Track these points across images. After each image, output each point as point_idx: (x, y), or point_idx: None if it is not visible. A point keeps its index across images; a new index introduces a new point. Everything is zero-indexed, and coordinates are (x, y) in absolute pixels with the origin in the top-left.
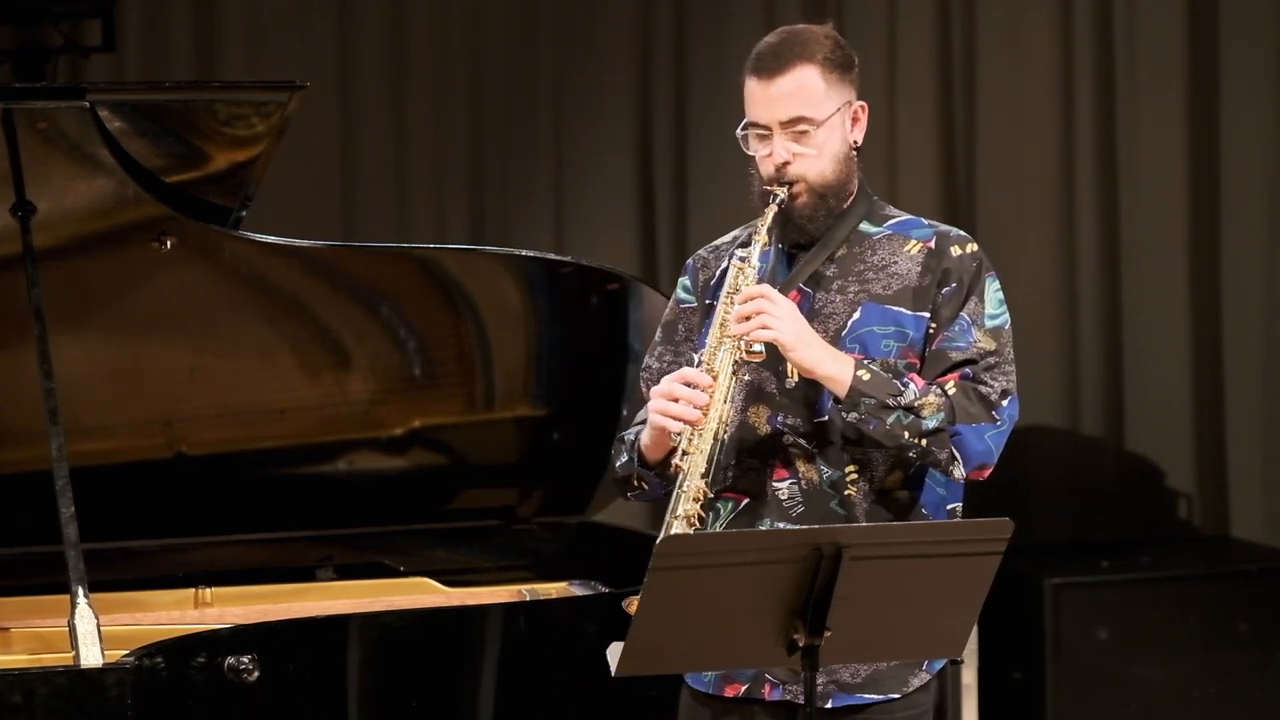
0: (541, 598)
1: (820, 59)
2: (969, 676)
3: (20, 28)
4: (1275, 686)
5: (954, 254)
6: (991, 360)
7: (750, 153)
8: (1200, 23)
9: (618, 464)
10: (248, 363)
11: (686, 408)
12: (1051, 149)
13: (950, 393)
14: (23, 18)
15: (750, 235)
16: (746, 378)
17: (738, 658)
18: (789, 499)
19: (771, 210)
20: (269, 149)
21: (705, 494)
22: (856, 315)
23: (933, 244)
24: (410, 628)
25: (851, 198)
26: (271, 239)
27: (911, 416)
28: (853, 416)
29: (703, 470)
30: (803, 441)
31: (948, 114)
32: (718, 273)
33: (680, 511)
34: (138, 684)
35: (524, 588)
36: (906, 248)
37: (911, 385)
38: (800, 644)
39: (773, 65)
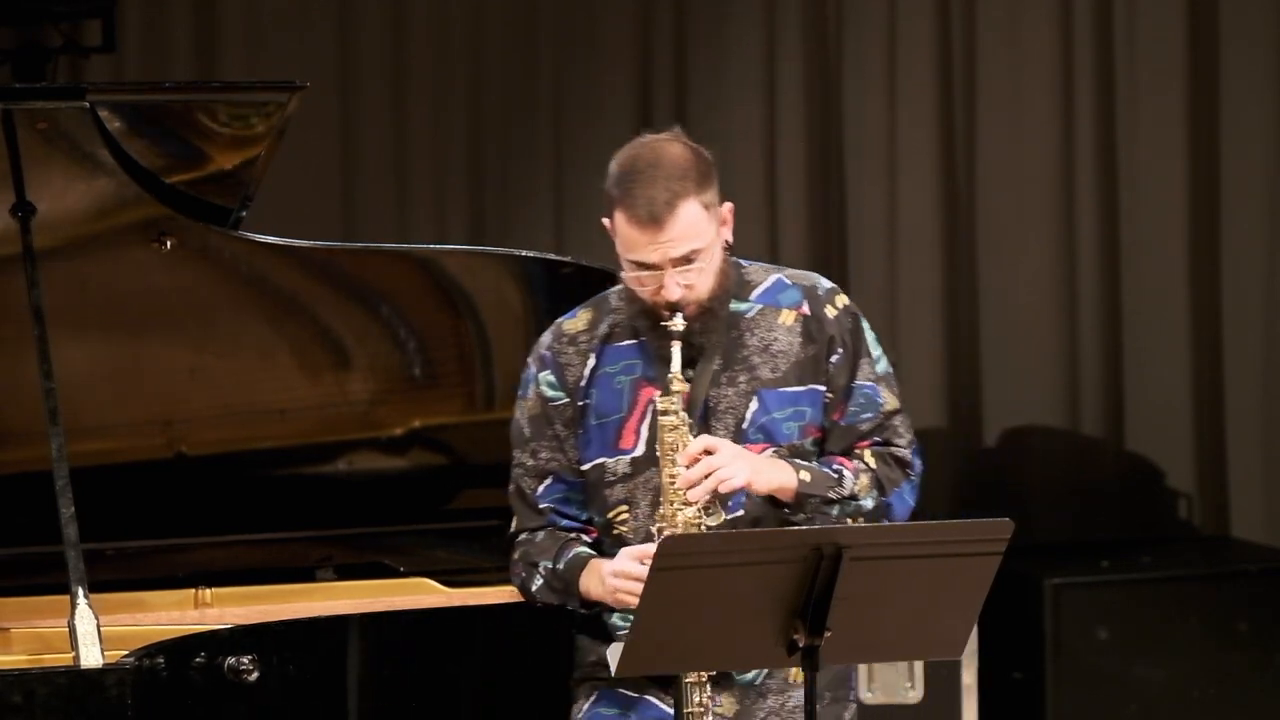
0: None
1: (694, 186)
2: (969, 676)
3: (20, 28)
4: (1275, 686)
5: (830, 315)
6: (895, 421)
7: (632, 286)
8: (1200, 23)
9: (533, 588)
10: (248, 363)
11: None
12: (1051, 149)
13: (873, 466)
14: (23, 18)
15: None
16: (651, 483)
17: (738, 658)
18: None
19: (678, 347)
20: (269, 149)
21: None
22: (754, 406)
23: (806, 309)
24: (410, 628)
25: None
26: (271, 239)
27: (853, 504)
28: (800, 517)
29: None
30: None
31: (948, 114)
32: (587, 372)
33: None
34: (138, 684)
35: None
36: (780, 320)
37: (845, 473)
38: (800, 644)
39: (656, 213)
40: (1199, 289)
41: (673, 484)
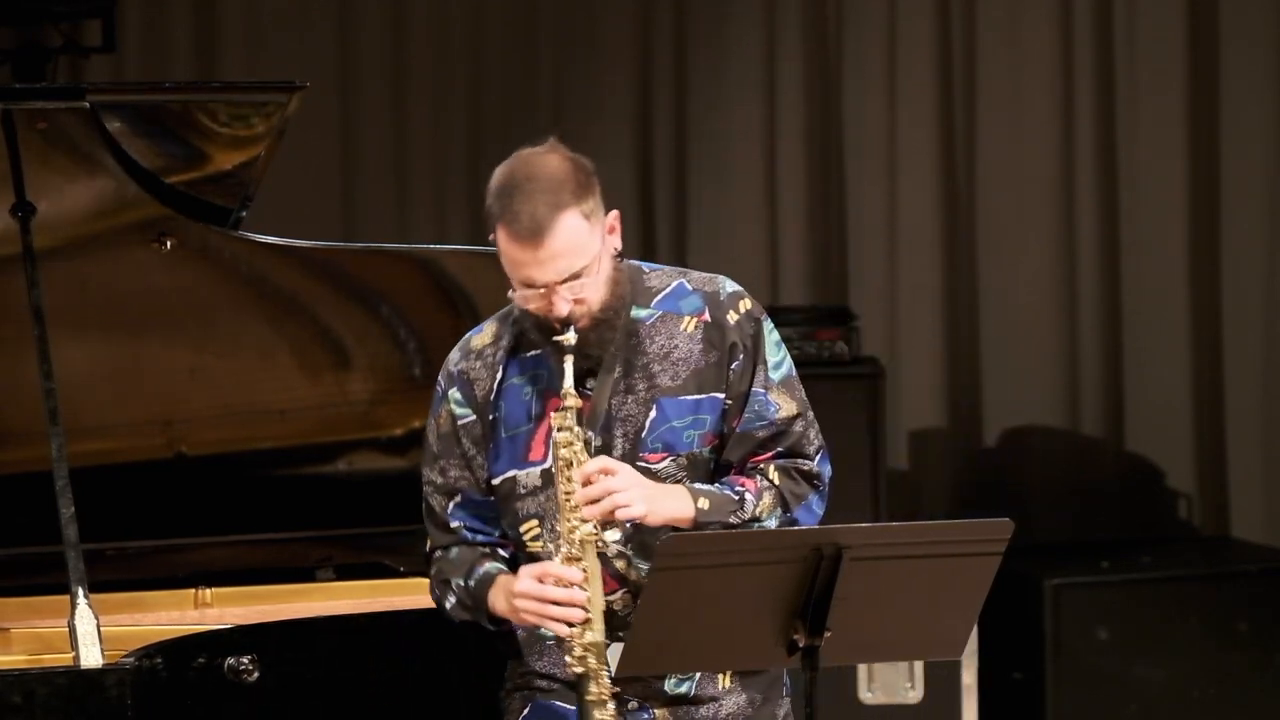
0: None
1: (572, 199)
2: (969, 676)
3: (20, 28)
4: (1275, 687)
5: (731, 321)
6: (798, 426)
7: (520, 303)
8: (1200, 23)
9: (448, 607)
10: (248, 363)
11: (572, 610)
12: (1051, 149)
13: (777, 481)
14: (23, 18)
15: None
16: (550, 504)
17: (738, 658)
18: (624, 609)
19: (570, 362)
20: (269, 149)
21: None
22: (653, 414)
23: (706, 315)
24: (410, 628)
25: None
26: (271, 239)
27: (755, 525)
28: None
29: (604, 653)
30: (624, 550)
31: (948, 114)
32: (494, 386)
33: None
34: (137, 684)
35: None
36: (681, 326)
37: (746, 495)
38: (800, 644)
39: (536, 229)
40: (1199, 289)
41: (568, 500)
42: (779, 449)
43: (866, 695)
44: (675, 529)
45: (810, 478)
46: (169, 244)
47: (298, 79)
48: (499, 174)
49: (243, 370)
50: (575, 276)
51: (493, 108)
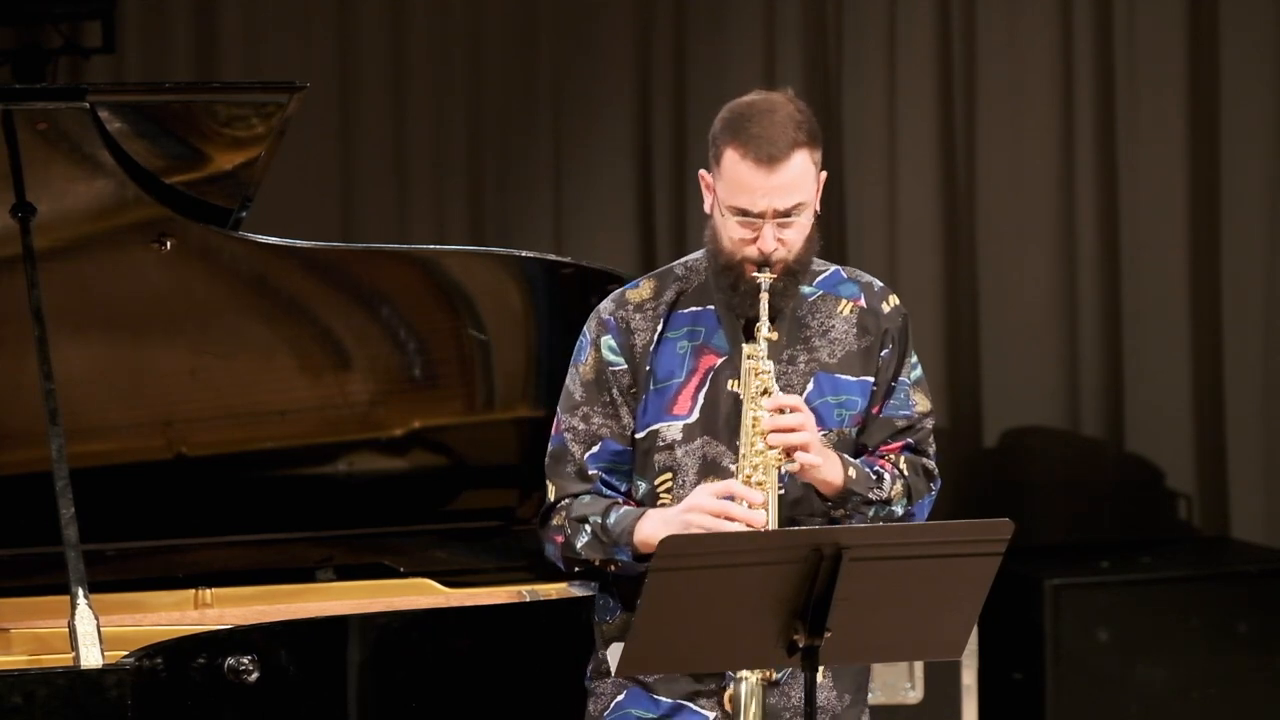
0: (541, 598)
1: (808, 140)
2: (969, 677)
3: (20, 29)
4: (1275, 687)
5: (885, 311)
6: (927, 424)
7: (729, 232)
8: (1200, 23)
9: (579, 545)
10: (248, 364)
11: (755, 513)
12: (1051, 150)
13: (905, 473)
14: (23, 19)
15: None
16: (700, 452)
17: (738, 658)
18: None
19: (765, 299)
20: (269, 150)
21: None
22: (810, 387)
23: (863, 302)
24: (410, 628)
25: None
26: (271, 240)
27: (886, 508)
28: (839, 512)
29: None
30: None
31: (948, 114)
32: (655, 337)
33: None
34: (138, 685)
35: (524, 588)
36: (839, 309)
37: (885, 476)
38: (800, 645)
39: (772, 152)
40: (1199, 289)
41: (755, 426)
42: (909, 441)
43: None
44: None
45: (930, 476)
46: (169, 245)
47: (298, 79)
48: (735, 105)
49: (243, 371)
50: (790, 213)
51: (493, 108)
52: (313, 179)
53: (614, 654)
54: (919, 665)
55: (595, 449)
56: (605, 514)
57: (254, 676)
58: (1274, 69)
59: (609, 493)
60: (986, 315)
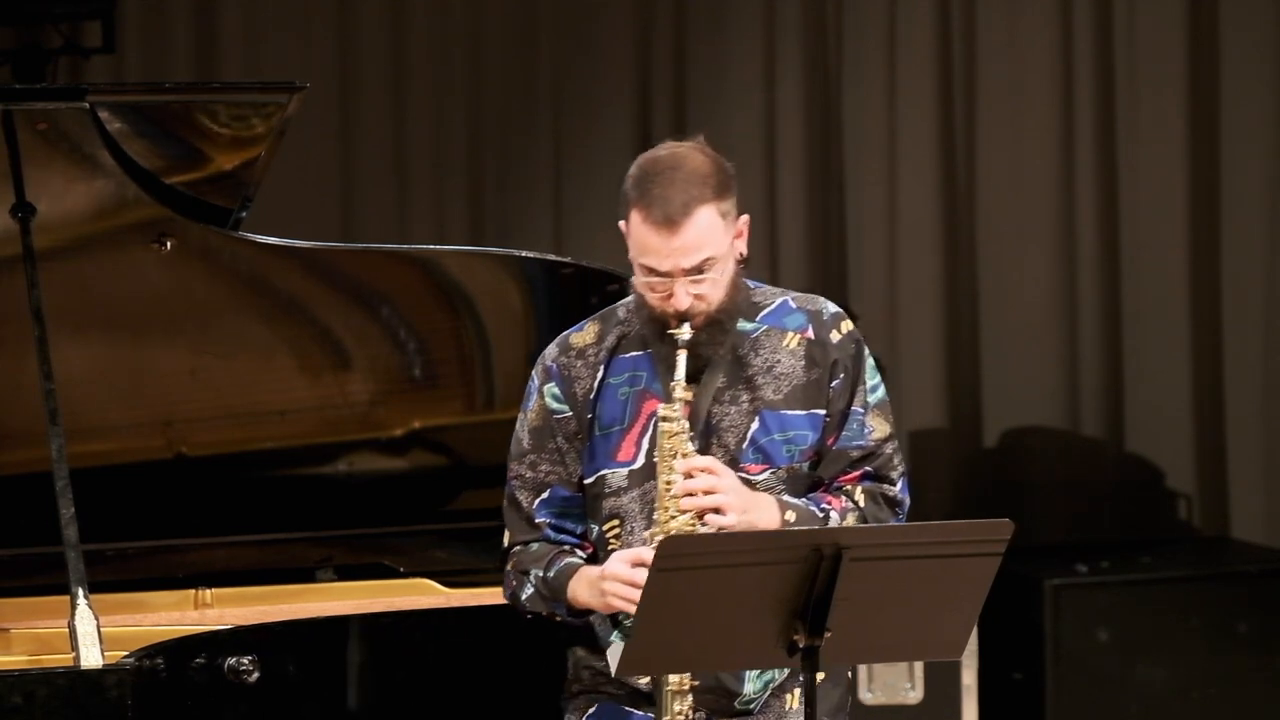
0: None
1: (713, 193)
2: (969, 677)
3: (20, 29)
4: (1275, 687)
5: (834, 340)
6: (888, 449)
7: (642, 291)
8: (1200, 23)
9: (523, 597)
10: (248, 364)
11: None
12: (1051, 149)
13: (862, 504)
14: (23, 19)
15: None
16: (647, 497)
17: (738, 658)
18: None
19: (683, 356)
20: (269, 150)
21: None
22: (755, 426)
23: (810, 333)
24: (410, 628)
25: None
26: (271, 240)
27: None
28: None
29: None
30: None
31: (948, 114)
32: (595, 384)
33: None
34: (138, 685)
35: None
36: (785, 343)
37: (831, 513)
38: (800, 645)
39: (672, 214)
40: (1199, 289)
41: (669, 490)
42: (867, 469)
43: (866, 695)
44: None
45: (893, 503)
46: (169, 245)
47: (297, 79)
48: (642, 161)
49: (243, 371)
50: (701, 270)
51: (493, 108)
52: (313, 179)
53: (614, 654)
54: (919, 665)
55: (545, 495)
56: (548, 567)
57: (254, 676)
58: (1274, 69)
59: (559, 537)
60: (986, 315)
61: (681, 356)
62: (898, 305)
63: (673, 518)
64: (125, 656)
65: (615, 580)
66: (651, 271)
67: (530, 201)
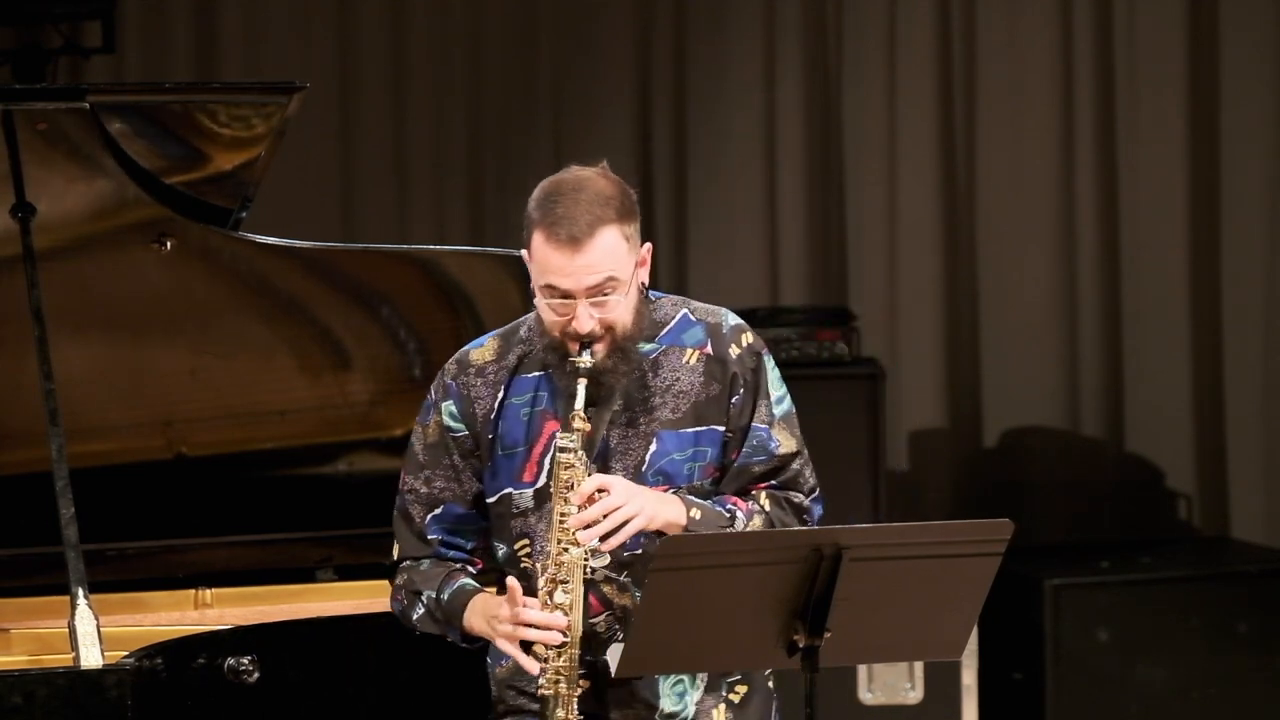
0: None
1: (616, 216)
2: (969, 677)
3: (20, 29)
4: (1275, 687)
5: (734, 355)
6: (795, 464)
7: (544, 312)
8: (1200, 23)
9: (414, 617)
10: (248, 364)
11: (549, 634)
12: (1051, 150)
13: (767, 508)
14: (23, 19)
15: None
16: (550, 516)
17: (738, 658)
18: (606, 630)
19: (583, 385)
20: (269, 150)
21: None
22: (654, 447)
23: (709, 349)
24: (410, 628)
25: None
26: (271, 240)
27: None
28: None
29: (577, 678)
30: (614, 576)
31: (948, 114)
32: (496, 404)
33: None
34: (138, 685)
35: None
36: (684, 359)
37: (737, 512)
38: (800, 645)
39: (575, 233)
40: (1199, 289)
41: (563, 523)
42: (773, 483)
43: (866, 695)
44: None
45: (799, 510)
46: (169, 245)
47: (298, 79)
48: (545, 184)
49: (243, 371)
50: (604, 291)
51: (493, 108)
52: (313, 179)
53: (614, 654)
54: (919, 665)
55: (438, 511)
56: (440, 588)
57: (254, 676)
58: (1274, 69)
59: (451, 554)
60: (986, 315)
61: (582, 385)
62: (898, 305)
63: (564, 549)
64: (125, 656)
65: (506, 621)
66: (554, 291)
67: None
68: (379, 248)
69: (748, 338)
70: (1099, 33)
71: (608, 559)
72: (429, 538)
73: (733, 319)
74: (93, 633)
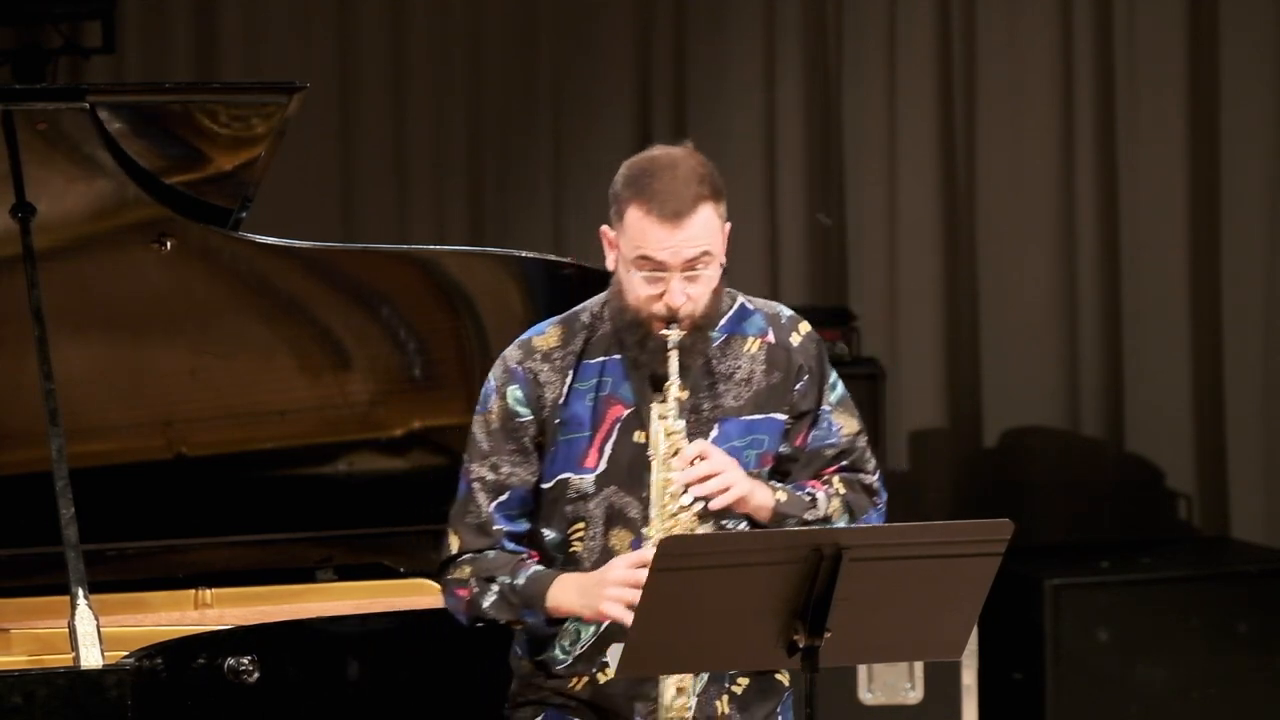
0: None
1: (710, 193)
2: (969, 677)
3: (20, 29)
4: (1275, 687)
5: (795, 343)
6: (859, 443)
7: (635, 287)
8: (1200, 23)
9: (485, 604)
10: (248, 364)
11: None
12: (1051, 150)
13: (842, 491)
14: (23, 19)
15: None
16: (607, 502)
17: (738, 658)
18: None
19: (675, 356)
20: (269, 150)
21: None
22: (714, 434)
23: (771, 337)
24: (410, 628)
25: None
26: (271, 240)
27: (826, 525)
28: None
29: None
30: None
31: (948, 114)
32: (565, 389)
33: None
34: (138, 685)
35: None
36: (745, 348)
37: (817, 494)
38: (800, 645)
39: (679, 208)
40: (1199, 289)
41: (668, 488)
42: (843, 464)
43: (866, 695)
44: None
45: (870, 492)
46: (169, 245)
47: (298, 79)
48: (634, 162)
49: (243, 371)
50: (697, 264)
51: (493, 108)
52: (313, 179)
53: (614, 654)
54: (919, 665)
55: (504, 498)
56: (514, 574)
57: (254, 676)
58: (1274, 69)
59: (513, 546)
60: (986, 315)
61: (674, 357)
62: (898, 305)
63: (672, 515)
64: (125, 656)
65: (619, 584)
66: (649, 263)
67: (530, 201)
68: (379, 248)
69: (805, 326)
70: (1099, 33)
71: (710, 522)
72: (494, 527)
73: (787, 309)
74: (93, 633)
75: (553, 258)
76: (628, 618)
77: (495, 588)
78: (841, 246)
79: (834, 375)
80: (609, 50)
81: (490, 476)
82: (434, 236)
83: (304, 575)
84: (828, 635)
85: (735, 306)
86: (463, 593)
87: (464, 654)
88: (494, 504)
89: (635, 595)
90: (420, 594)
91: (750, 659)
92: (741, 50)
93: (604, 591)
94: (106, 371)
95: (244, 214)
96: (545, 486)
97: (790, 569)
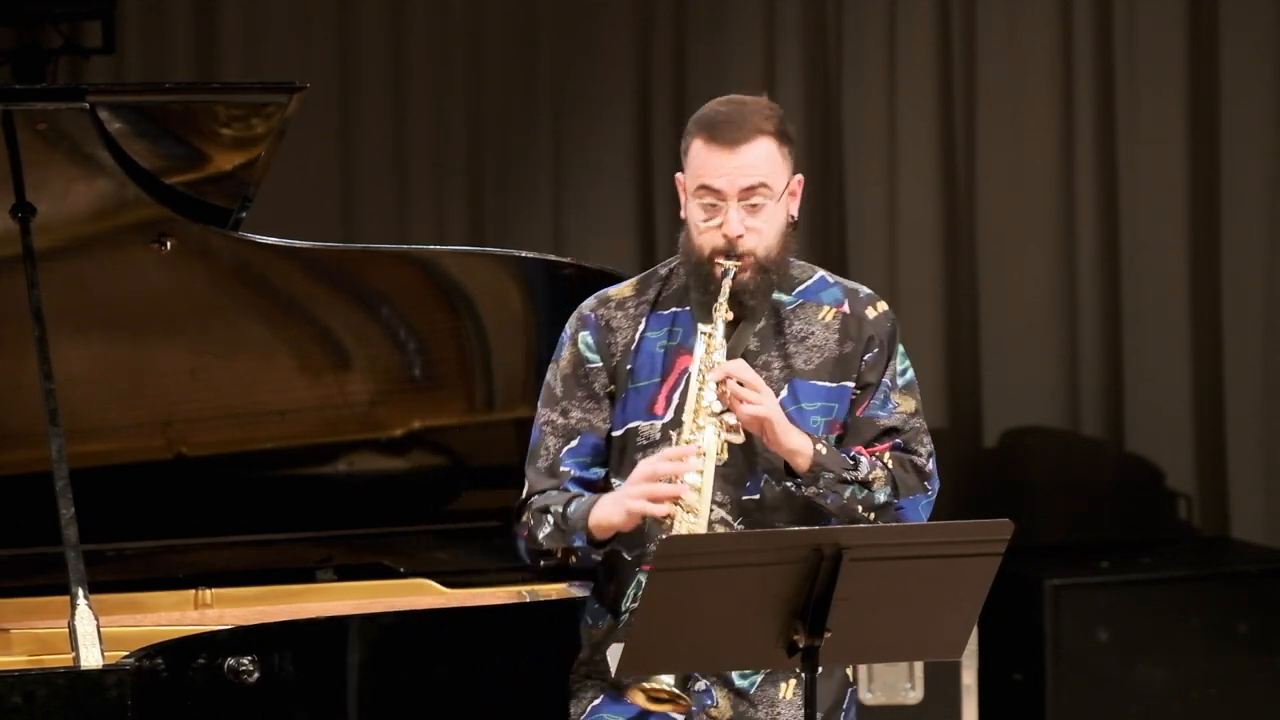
0: (542, 598)
1: (774, 131)
2: (969, 677)
3: (20, 29)
4: (1275, 687)
5: (870, 316)
6: (915, 423)
7: (696, 220)
8: (1200, 23)
9: (541, 535)
10: (248, 364)
11: (680, 487)
12: (1051, 150)
13: (890, 466)
14: (23, 19)
15: (686, 297)
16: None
17: (738, 659)
18: None
19: (727, 283)
20: (269, 150)
21: None
22: (784, 393)
23: (846, 308)
24: (410, 628)
25: None
26: (271, 240)
27: (865, 491)
28: (811, 490)
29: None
30: (728, 518)
31: (948, 114)
32: (637, 336)
33: None
34: (138, 685)
35: (524, 589)
36: (820, 315)
37: (861, 459)
38: (800, 645)
39: (735, 135)
40: (1199, 289)
41: (700, 402)
42: (896, 441)
43: (866, 695)
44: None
45: (922, 474)
46: (169, 245)
47: (298, 80)
48: (710, 104)
49: (243, 371)
50: (755, 192)
51: (493, 108)
52: (313, 179)
53: (614, 654)
54: (919, 665)
55: (574, 443)
56: (567, 505)
57: (254, 677)
58: (1274, 69)
59: (577, 490)
60: (986, 315)
61: (727, 281)
62: (898, 305)
63: (700, 427)
64: (125, 656)
65: (645, 479)
66: (708, 191)
67: (530, 201)
68: (379, 248)
69: (883, 305)
70: (1099, 33)
71: (741, 437)
72: (561, 469)
73: (866, 288)
74: (93, 633)
75: (553, 258)
76: (659, 510)
77: (549, 518)
78: (841, 246)
79: (906, 361)
80: (609, 50)
81: (560, 421)
82: (434, 236)
83: (304, 575)
84: (828, 635)
85: (815, 277)
86: (526, 530)
87: (464, 654)
88: (564, 449)
89: (662, 489)
90: (420, 594)
91: (750, 659)
92: (741, 50)
93: (630, 489)
94: (106, 371)
95: (244, 214)
96: (616, 434)
97: (790, 569)
